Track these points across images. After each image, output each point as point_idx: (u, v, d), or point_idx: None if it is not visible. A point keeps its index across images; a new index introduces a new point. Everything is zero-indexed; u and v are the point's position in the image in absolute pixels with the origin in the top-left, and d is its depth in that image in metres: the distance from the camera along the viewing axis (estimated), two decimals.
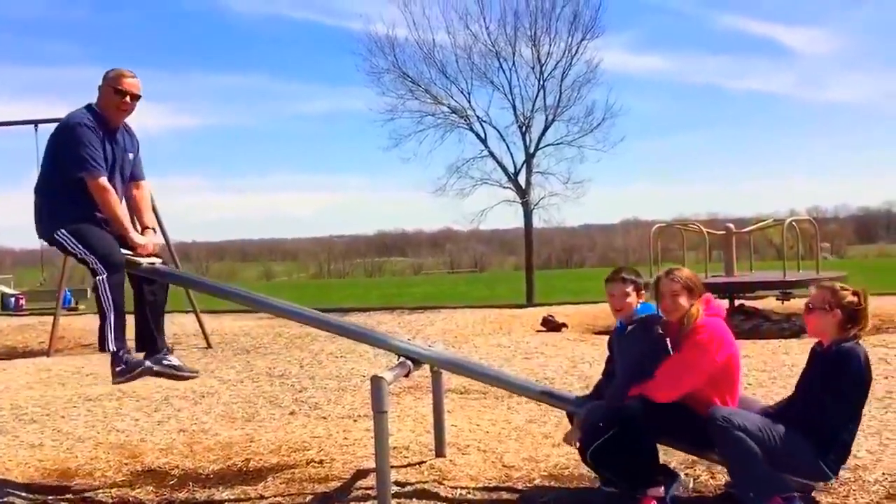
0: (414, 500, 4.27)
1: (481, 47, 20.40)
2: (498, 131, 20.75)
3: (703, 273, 13.16)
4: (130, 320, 4.53)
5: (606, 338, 4.71)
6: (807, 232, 16.38)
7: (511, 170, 20.69)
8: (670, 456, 4.49)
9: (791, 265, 13.65)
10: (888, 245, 63.78)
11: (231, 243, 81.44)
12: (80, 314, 18.39)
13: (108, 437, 6.10)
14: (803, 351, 4.16)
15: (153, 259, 4.63)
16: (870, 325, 3.91)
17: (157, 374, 4.67)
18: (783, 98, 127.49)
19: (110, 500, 4.56)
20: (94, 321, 5.20)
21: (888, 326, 11.39)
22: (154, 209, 6.91)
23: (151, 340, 4.63)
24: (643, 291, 4.20)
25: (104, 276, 4.31)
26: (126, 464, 5.29)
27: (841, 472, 3.94)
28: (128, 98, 4.50)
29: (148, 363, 4.53)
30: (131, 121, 4.70)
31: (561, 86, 20.41)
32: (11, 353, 12.09)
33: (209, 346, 11.56)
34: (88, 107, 4.50)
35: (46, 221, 4.50)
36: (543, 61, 20.27)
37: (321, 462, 5.11)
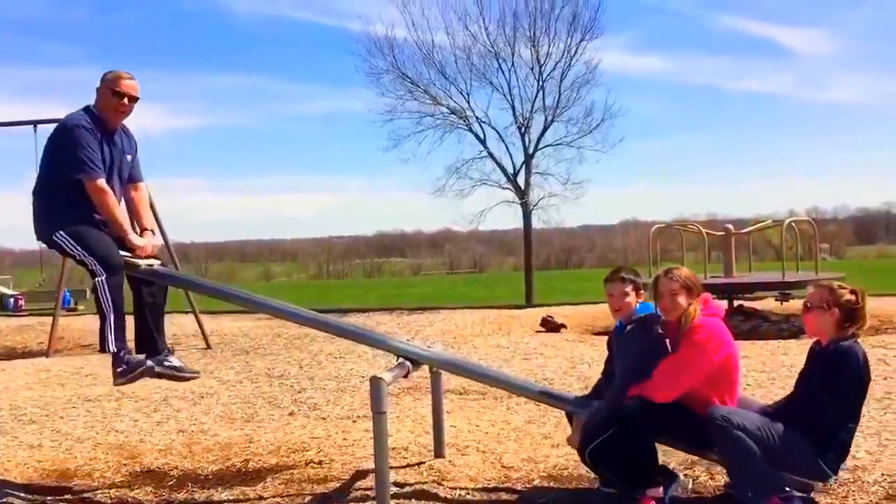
0: (413, 500, 4.27)
1: (480, 48, 20.47)
2: (497, 132, 20.82)
3: (702, 274, 13.16)
4: (130, 321, 4.53)
5: (605, 338, 4.71)
6: (806, 233, 16.39)
7: (510, 170, 20.74)
8: (669, 457, 4.49)
9: (790, 266, 13.66)
10: (887, 246, 63.87)
11: (230, 244, 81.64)
12: (80, 315, 18.38)
13: (107, 437, 6.10)
14: (802, 352, 4.16)
15: (152, 261, 4.62)
16: (868, 324, 3.91)
17: (159, 376, 4.66)
18: (782, 99, 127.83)
19: (109, 501, 4.56)
20: (93, 322, 5.20)
21: (887, 327, 11.40)
22: (153, 210, 6.90)
23: (151, 342, 4.63)
24: (642, 291, 4.21)
25: (103, 278, 4.31)
26: (125, 464, 5.29)
27: (840, 473, 3.94)
28: (126, 100, 4.50)
29: (149, 363, 4.53)
30: (129, 122, 4.70)
31: (560, 86, 20.48)
32: (10, 354, 12.08)
33: (208, 346, 11.55)
34: (86, 109, 4.50)
35: (45, 223, 4.49)
36: (542, 62, 20.33)
37: (320, 463, 5.11)
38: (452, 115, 20.76)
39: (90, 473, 5.12)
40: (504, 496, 4.34)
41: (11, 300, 24.01)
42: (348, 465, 5.04)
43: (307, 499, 4.40)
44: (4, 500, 4.55)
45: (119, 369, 4.42)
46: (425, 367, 4.72)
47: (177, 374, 4.73)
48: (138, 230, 4.67)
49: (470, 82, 20.63)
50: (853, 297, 3.79)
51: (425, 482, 4.57)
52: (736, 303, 13.19)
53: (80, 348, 12.15)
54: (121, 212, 4.54)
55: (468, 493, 4.36)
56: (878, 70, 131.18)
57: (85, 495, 4.66)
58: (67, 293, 19.01)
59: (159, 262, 4.72)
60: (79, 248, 4.35)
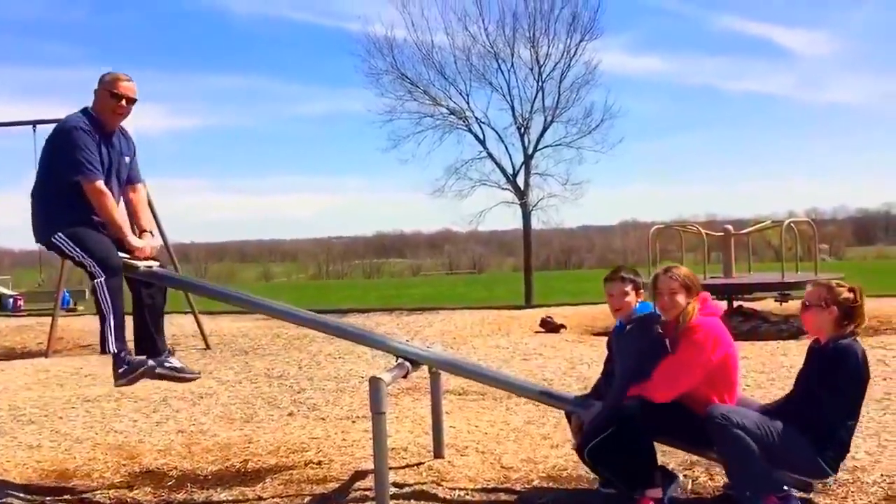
0: (412, 501, 4.27)
1: (480, 48, 20.52)
2: (496, 132, 20.86)
3: (701, 274, 13.14)
4: (129, 322, 4.53)
5: (605, 339, 4.71)
6: (805, 233, 16.40)
7: (510, 171, 20.77)
8: (669, 457, 4.49)
9: (789, 266, 13.67)
10: (886, 247, 63.91)
11: (230, 244, 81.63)
12: (79, 315, 18.38)
13: (106, 438, 6.09)
14: (802, 352, 4.16)
15: (151, 262, 4.62)
16: (866, 323, 3.91)
17: (160, 377, 4.67)
18: (781, 99, 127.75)
19: (108, 501, 4.55)
20: (92, 322, 5.20)
21: (886, 328, 11.40)
22: (152, 211, 6.90)
23: (151, 343, 4.63)
24: (642, 291, 4.21)
25: (102, 279, 4.30)
26: (124, 465, 5.29)
27: (839, 472, 3.94)
28: (124, 102, 4.50)
29: (151, 363, 4.53)
30: (128, 124, 4.70)
31: (559, 87, 20.53)
32: (10, 354, 12.07)
33: (208, 347, 11.55)
34: (84, 110, 4.50)
35: (43, 225, 4.49)
36: (542, 63, 20.38)
37: (319, 463, 5.11)
38: (452, 116, 20.81)
39: (89, 474, 5.12)
40: (503, 497, 4.34)
41: (11, 300, 24.01)
42: (347, 465, 5.04)
43: (306, 499, 4.40)
44: (4, 500, 4.55)
45: (120, 370, 4.42)
46: (424, 368, 4.72)
47: (178, 375, 4.73)
48: (137, 231, 4.67)
49: (469, 83, 20.69)
50: (851, 295, 3.80)
51: (424, 483, 4.57)
52: (735, 303, 13.18)
53: (80, 349, 12.14)
54: (119, 213, 4.54)
55: (467, 494, 4.36)
56: (878, 71, 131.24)
57: (84, 496, 4.65)
58: (66, 294, 18.99)
59: (158, 263, 4.72)
60: (78, 249, 4.35)
